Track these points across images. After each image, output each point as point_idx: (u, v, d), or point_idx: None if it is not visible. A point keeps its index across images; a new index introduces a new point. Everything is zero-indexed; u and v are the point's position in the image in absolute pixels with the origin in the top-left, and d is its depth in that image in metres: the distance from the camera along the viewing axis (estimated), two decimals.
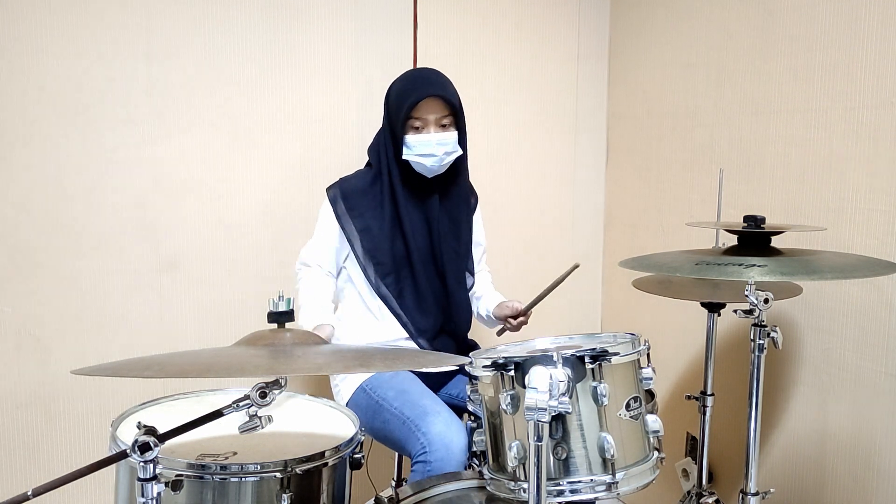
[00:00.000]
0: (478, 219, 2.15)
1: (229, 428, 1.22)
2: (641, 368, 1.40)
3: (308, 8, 2.36)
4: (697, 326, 2.28)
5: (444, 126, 1.90)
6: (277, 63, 2.34)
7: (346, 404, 1.90)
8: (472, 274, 2.10)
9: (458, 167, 2.00)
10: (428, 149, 1.88)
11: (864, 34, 1.84)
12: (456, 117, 1.93)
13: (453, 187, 2.01)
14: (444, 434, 1.68)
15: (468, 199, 2.09)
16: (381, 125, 2.01)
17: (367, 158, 2.06)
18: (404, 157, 1.90)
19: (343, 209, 1.95)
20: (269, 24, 2.32)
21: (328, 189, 2.00)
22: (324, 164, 2.39)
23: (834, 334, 1.96)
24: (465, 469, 1.67)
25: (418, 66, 2.50)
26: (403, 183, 1.95)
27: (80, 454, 2.23)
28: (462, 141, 1.95)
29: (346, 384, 1.95)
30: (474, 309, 2.14)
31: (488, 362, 1.36)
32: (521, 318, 2.02)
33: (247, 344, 1.24)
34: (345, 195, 1.96)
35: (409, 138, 1.89)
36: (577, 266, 1.91)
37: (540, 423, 1.15)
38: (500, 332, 2.09)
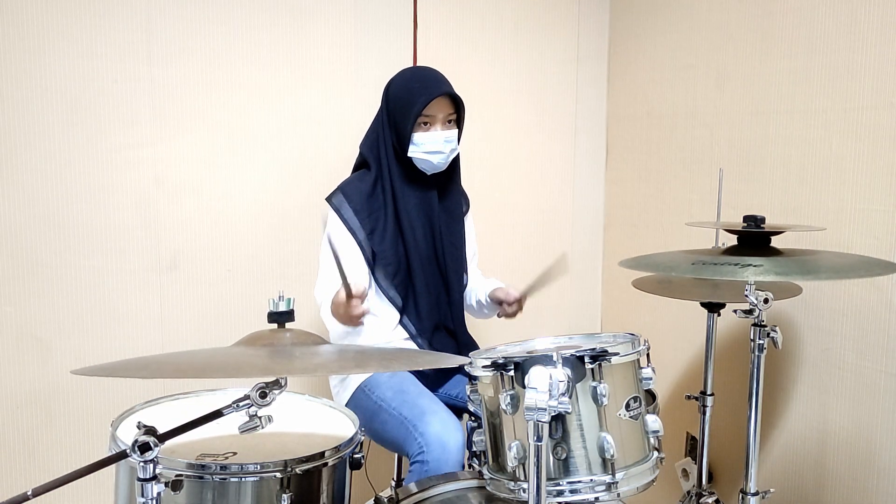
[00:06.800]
0: (470, 225, 2.16)
1: (229, 428, 1.22)
2: (641, 368, 1.40)
3: (308, 9, 2.36)
4: (697, 326, 2.28)
5: (449, 123, 1.92)
6: (278, 64, 2.34)
7: (346, 405, 1.90)
8: (467, 272, 2.11)
9: (455, 165, 2.02)
10: (436, 146, 1.89)
11: (864, 35, 1.84)
12: (458, 115, 1.94)
13: (451, 185, 2.03)
14: (441, 434, 1.68)
15: (464, 198, 2.12)
16: (374, 123, 2.01)
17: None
18: (410, 154, 1.90)
19: (350, 213, 1.93)
20: (270, 25, 2.32)
21: (330, 197, 1.96)
22: (324, 164, 2.39)
23: (834, 334, 1.96)
24: (463, 468, 1.67)
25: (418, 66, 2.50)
26: (404, 181, 1.95)
27: (79, 454, 2.23)
28: (459, 139, 1.96)
29: (346, 385, 1.95)
30: (465, 301, 2.13)
31: (488, 362, 1.36)
32: (514, 306, 2.01)
33: (246, 344, 1.24)
34: (349, 199, 1.94)
35: (418, 136, 1.89)
36: (564, 256, 1.85)
37: (540, 423, 1.15)
38: (498, 315, 2.07)
